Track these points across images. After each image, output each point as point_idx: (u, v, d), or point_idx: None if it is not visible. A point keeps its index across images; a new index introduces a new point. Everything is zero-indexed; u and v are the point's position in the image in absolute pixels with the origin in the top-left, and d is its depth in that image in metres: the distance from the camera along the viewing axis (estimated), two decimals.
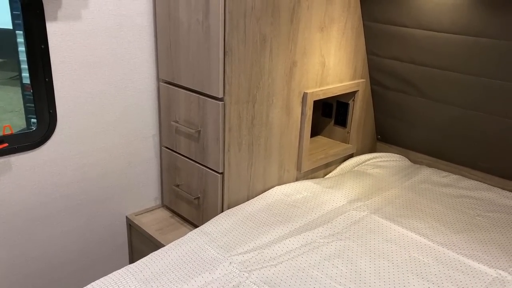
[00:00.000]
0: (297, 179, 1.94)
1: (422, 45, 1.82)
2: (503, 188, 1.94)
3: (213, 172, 1.64)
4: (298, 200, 1.76)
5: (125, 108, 1.76)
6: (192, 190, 1.77)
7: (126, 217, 1.89)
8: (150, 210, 1.94)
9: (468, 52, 1.69)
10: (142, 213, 1.91)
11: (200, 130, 1.64)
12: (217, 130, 1.55)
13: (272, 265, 1.36)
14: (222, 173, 1.62)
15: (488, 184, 1.98)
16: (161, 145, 1.89)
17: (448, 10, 1.65)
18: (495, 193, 1.91)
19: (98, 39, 1.60)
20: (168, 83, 1.74)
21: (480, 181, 2.01)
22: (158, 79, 1.80)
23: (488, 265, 1.41)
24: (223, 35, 1.44)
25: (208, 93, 1.56)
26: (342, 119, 2.18)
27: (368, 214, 1.70)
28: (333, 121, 2.22)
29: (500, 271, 1.38)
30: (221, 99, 1.52)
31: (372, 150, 2.38)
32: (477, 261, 1.44)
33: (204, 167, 1.68)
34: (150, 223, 1.84)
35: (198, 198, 1.74)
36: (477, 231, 1.63)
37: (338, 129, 2.21)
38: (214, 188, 1.66)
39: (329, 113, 2.22)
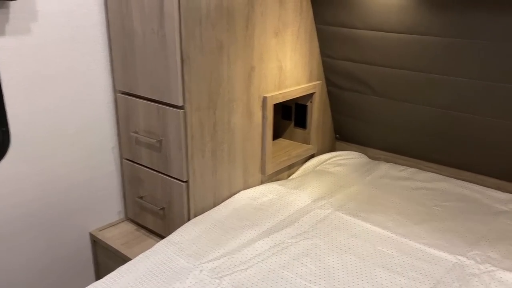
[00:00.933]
0: (262, 182, 1.96)
1: (372, 46, 1.89)
2: (457, 178, 2.04)
3: (178, 181, 1.63)
4: (264, 203, 1.77)
5: (83, 121, 1.72)
6: (156, 201, 1.75)
7: (90, 233, 1.84)
8: (114, 224, 1.90)
9: (416, 50, 1.77)
10: (106, 228, 1.87)
11: (161, 139, 1.63)
12: (179, 138, 1.55)
13: (242, 269, 1.37)
14: (186, 182, 1.61)
15: (443, 175, 2.08)
16: (121, 157, 1.85)
17: (395, 11, 1.73)
18: (450, 183, 2.01)
19: (50, 53, 1.56)
20: (126, 94, 1.72)
21: (435, 173, 2.10)
22: (115, 90, 1.77)
23: (448, 252, 1.48)
24: (180, 43, 1.44)
25: (167, 101, 1.55)
26: (301, 121, 2.22)
27: (333, 211, 1.74)
28: (293, 123, 2.26)
29: (459, 257, 1.45)
30: (181, 107, 1.52)
31: (332, 149, 2.44)
32: (438, 249, 1.50)
33: (167, 177, 1.66)
34: (115, 238, 1.80)
35: (163, 208, 1.73)
36: (435, 221, 1.70)
37: (299, 131, 2.25)
38: (179, 197, 1.65)
39: (289, 115, 2.26)
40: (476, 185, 1.97)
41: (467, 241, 1.56)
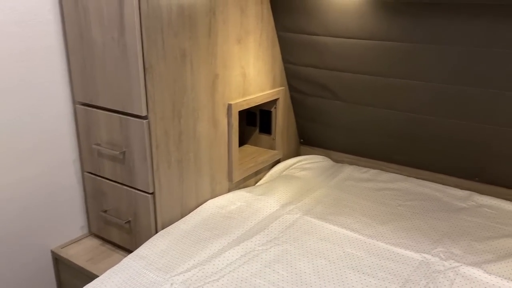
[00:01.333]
0: (229, 190, 1.95)
1: (333, 52, 1.92)
2: (417, 177, 2.11)
3: (143, 193, 1.59)
4: (233, 211, 1.76)
5: (41, 135, 1.64)
6: (121, 214, 1.70)
7: (51, 251, 1.76)
8: (77, 241, 1.83)
9: (376, 55, 1.82)
10: (68, 245, 1.79)
11: (124, 151, 1.58)
12: (144, 149, 1.51)
13: (214, 280, 1.35)
14: (152, 193, 1.58)
15: (404, 175, 2.15)
16: (83, 170, 1.79)
17: (354, 17, 1.77)
18: (411, 182, 2.07)
19: (3, 66, 1.48)
20: (86, 105, 1.66)
21: (397, 173, 2.17)
22: (74, 101, 1.71)
23: (413, 251, 1.52)
24: (142, 52, 1.41)
25: (130, 112, 1.51)
26: (266, 127, 2.23)
27: (301, 216, 1.75)
28: (258, 129, 2.27)
29: (425, 255, 1.50)
30: (145, 117, 1.49)
31: (297, 153, 2.46)
32: (404, 248, 1.54)
33: (132, 189, 1.62)
34: (78, 254, 1.73)
35: (129, 221, 1.68)
36: (400, 220, 1.75)
37: (264, 137, 2.26)
38: (145, 210, 1.61)
39: (254, 121, 2.26)
40: (436, 183, 2.05)
41: (431, 239, 1.61)
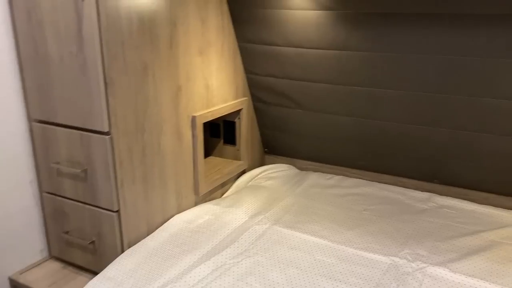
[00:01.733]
0: (196, 204, 1.92)
1: (294, 62, 1.95)
2: (379, 182, 2.17)
3: (107, 212, 1.53)
4: (201, 225, 1.73)
5: None
6: (85, 234, 1.63)
7: (9, 278, 1.66)
8: (37, 265, 1.73)
9: (336, 65, 1.86)
10: (28, 270, 1.69)
11: (86, 169, 1.52)
12: (107, 166, 1.46)
13: None
14: (117, 211, 1.53)
15: (367, 179, 2.20)
16: (41, 190, 1.70)
17: (314, 28, 1.80)
18: (374, 187, 2.12)
19: None
20: (43, 122, 1.59)
21: (360, 178, 2.21)
22: (30, 119, 1.63)
23: (382, 254, 1.56)
24: (102, 66, 1.37)
25: (91, 128, 1.46)
26: (231, 138, 2.22)
27: (270, 226, 1.75)
28: (222, 141, 2.25)
29: (393, 258, 1.53)
30: (107, 133, 1.44)
31: (261, 163, 2.46)
32: (372, 252, 1.57)
33: (96, 208, 1.56)
34: (39, 280, 1.64)
35: (93, 242, 1.61)
36: (366, 225, 1.78)
37: (228, 148, 2.25)
38: (110, 229, 1.55)
39: (217, 133, 2.25)
40: (397, 187, 2.11)
41: (397, 241, 1.65)
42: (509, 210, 1.87)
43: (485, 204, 1.92)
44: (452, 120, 1.79)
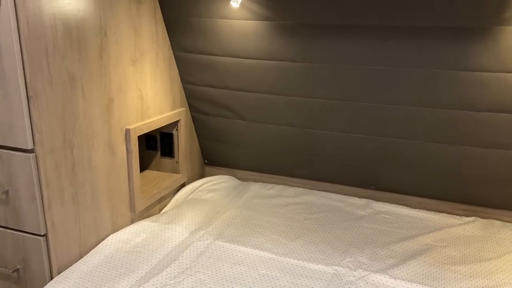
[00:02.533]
0: (132, 222, 1.82)
1: (232, 72, 1.92)
2: (319, 190, 2.19)
3: (33, 236, 1.40)
4: (139, 244, 1.64)
5: None
6: (7, 262, 1.48)
7: None
8: None
9: (274, 75, 1.85)
10: None
11: (8, 190, 1.38)
12: (32, 186, 1.34)
13: None
14: (45, 235, 1.40)
15: (307, 188, 2.21)
16: None
17: (251, 39, 1.78)
18: (314, 195, 2.14)
19: None
20: None
21: (300, 187, 2.22)
22: None
23: (324, 264, 1.56)
24: (24, 78, 1.25)
25: (12, 145, 1.33)
26: (168, 150, 2.14)
27: (212, 241, 1.69)
28: (159, 153, 2.17)
29: (335, 267, 1.54)
30: (31, 151, 1.31)
31: (201, 175, 2.40)
32: (315, 262, 1.57)
33: (20, 232, 1.42)
34: None
35: (17, 270, 1.47)
36: (308, 234, 1.78)
37: (166, 160, 2.16)
38: (37, 254, 1.42)
39: (154, 145, 2.16)
40: (336, 194, 2.14)
41: (338, 250, 1.66)
42: (440, 213, 1.96)
43: (419, 209, 2.00)
44: (387, 129, 1.85)
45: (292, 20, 1.68)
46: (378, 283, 1.45)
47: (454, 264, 1.58)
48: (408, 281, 1.46)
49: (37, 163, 1.33)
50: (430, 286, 1.44)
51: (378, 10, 1.55)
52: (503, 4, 1.38)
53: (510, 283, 1.46)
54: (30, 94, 1.27)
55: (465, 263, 1.59)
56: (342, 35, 1.66)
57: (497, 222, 1.88)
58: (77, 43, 1.42)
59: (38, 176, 1.34)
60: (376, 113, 1.81)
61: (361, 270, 1.52)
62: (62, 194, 1.43)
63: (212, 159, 2.38)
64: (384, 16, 1.55)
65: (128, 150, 1.73)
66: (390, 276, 1.48)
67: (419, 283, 1.45)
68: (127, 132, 1.71)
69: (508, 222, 1.89)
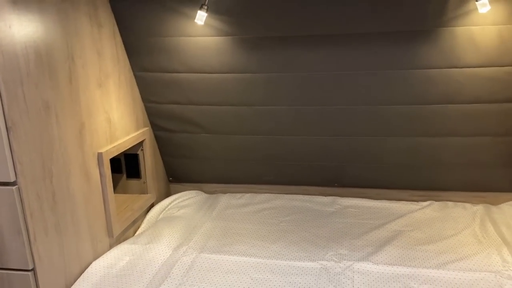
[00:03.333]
0: (111, 246, 1.79)
1: (197, 87, 1.96)
2: (286, 193, 2.28)
3: (20, 272, 1.34)
4: (124, 267, 1.62)
5: None
6: None
7: None
8: None
9: (238, 87, 1.93)
10: None
11: None
12: (16, 220, 1.29)
13: None
14: (33, 269, 1.34)
15: (275, 193, 2.29)
16: None
17: (214, 54, 1.84)
18: (283, 199, 2.23)
19: None
20: None
21: (268, 193, 2.30)
22: None
23: (310, 260, 1.64)
24: (2, 109, 1.21)
25: None
26: (134, 171, 2.13)
27: (197, 254, 1.71)
28: (125, 175, 2.14)
29: (321, 262, 1.63)
30: (13, 183, 1.27)
31: (167, 193, 2.40)
32: (301, 260, 1.65)
33: (4, 271, 1.35)
34: None
35: None
36: (287, 236, 1.86)
37: (133, 182, 2.14)
38: None
39: (119, 168, 2.13)
40: (304, 195, 2.25)
41: (319, 246, 1.76)
42: (400, 201, 2.13)
43: (380, 199, 2.16)
44: (348, 128, 1.99)
45: (253, 34, 1.77)
46: (363, 270, 1.56)
47: (423, 244, 1.74)
48: (389, 264, 1.59)
49: (20, 195, 1.28)
50: (408, 266, 1.58)
51: (330, 21, 1.69)
52: (442, 8, 1.58)
53: (473, 254, 1.64)
54: (9, 125, 1.23)
55: (431, 242, 1.76)
56: (299, 45, 1.78)
57: (450, 203, 2.09)
58: (48, 70, 1.39)
59: (23, 208, 1.29)
60: (337, 115, 1.95)
61: (345, 261, 1.63)
62: (45, 225, 1.39)
63: (177, 176, 2.39)
64: (336, 25, 1.69)
65: (101, 174, 1.71)
66: (373, 262, 1.60)
67: (399, 265, 1.58)
68: (99, 156, 1.69)
69: (458, 202, 2.10)
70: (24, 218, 1.30)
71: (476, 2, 1.47)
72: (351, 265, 1.60)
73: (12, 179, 1.26)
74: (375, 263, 1.59)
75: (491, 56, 1.67)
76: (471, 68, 1.71)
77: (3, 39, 1.20)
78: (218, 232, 1.91)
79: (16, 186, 1.27)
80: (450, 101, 1.81)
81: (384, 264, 1.59)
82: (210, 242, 1.82)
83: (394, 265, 1.58)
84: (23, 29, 1.28)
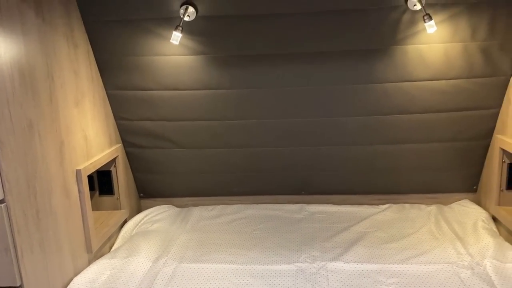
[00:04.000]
0: (90, 262, 1.80)
1: (170, 104, 2.04)
2: (257, 203, 2.38)
3: None
4: (106, 281, 1.65)
5: None
6: None
7: None
8: None
9: (211, 103, 2.03)
10: None
11: None
12: (5, 237, 1.30)
13: None
14: (20, 286, 1.35)
15: (246, 203, 2.39)
16: None
17: (187, 71, 1.94)
18: (254, 209, 2.33)
19: None
20: None
21: (239, 204, 2.39)
22: None
23: (286, 263, 1.75)
24: None
25: None
26: (107, 188, 2.15)
27: (178, 265, 1.77)
28: (97, 192, 2.16)
29: (296, 264, 1.74)
30: (2, 201, 1.29)
31: (139, 209, 2.42)
32: (278, 264, 1.76)
33: None
34: None
35: None
36: (262, 243, 1.96)
37: (106, 198, 2.16)
38: None
39: (91, 185, 2.14)
40: (273, 204, 2.36)
41: (292, 250, 1.87)
42: (362, 206, 2.29)
43: (344, 204, 2.31)
44: (314, 139, 2.13)
45: (225, 53, 1.89)
46: (336, 269, 1.69)
47: (387, 243, 1.89)
48: (358, 262, 1.73)
49: (8, 212, 1.30)
50: (376, 262, 1.72)
51: (297, 41, 1.84)
52: (395, 29, 1.77)
53: (431, 249, 1.82)
54: None
55: (394, 241, 1.92)
56: (269, 63, 1.91)
57: (407, 205, 2.28)
58: (31, 89, 1.43)
59: (11, 226, 1.31)
60: (304, 127, 2.09)
61: (319, 261, 1.75)
62: (31, 241, 1.40)
63: (148, 191, 2.43)
64: (303, 45, 1.85)
65: (80, 191, 1.74)
66: (344, 261, 1.73)
67: (367, 262, 1.72)
68: (78, 173, 1.72)
69: (414, 203, 2.29)
70: (12, 235, 1.32)
71: (425, 24, 1.66)
72: (325, 265, 1.72)
73: (1, 197, 1.28)
74: (346, 262, 1.73)
75: (438, 71, 1.88)
76: (421, 82, 1.92)
77: None
78: (194, 243, 1.98)
79: (5, 203, 1.29)
80: (404, 111, 2.00)
81: (354, 262, 1.72)
82: (188, 252, 1.89)
83: (363, 262, 1.72)
84: (9, 50, 1.32)
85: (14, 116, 1.33)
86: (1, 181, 1.28)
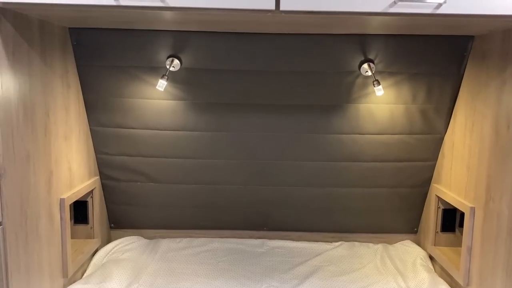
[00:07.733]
0: (64, 287, 1.91)
1: (149, 142, 2.24)
2: (220, 237, 2.57)
3: None
4: None
5: None
6: None
7: None
8: None
9: (186, 142, 2.24)
10: None
11: None
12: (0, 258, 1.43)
13: None
14: None
15: (211, 237, 2.57)
16: None
17: (168, 113, 2.16)
18: (218, 242, 2.51)
19: None
20: None
21: (204, 237, 2.56)
22: None
23: None
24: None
25: None
26: (82, 217, 2.28)
27: None
28: (72, 221, 2.28)
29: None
30: (0, 224, 1.43)
31: (109, 239, 2.54)
32: None
33: None
34: None
35: None
36: (226, 273, 2.14)
37: (80, 227, 2.28)
38: None
39: None
40: (237, 238, 2.55)
41: (254, 280, 2.06)
42: (317, 242, 2.53)
43: (301, 241, 2.54)
44: (275, 180, 2.38)
45: (203, 100, 2.13)
46: None
47: (338, 276, 2.13)
48: None
49: (4, 235, 1.44)
50: None
51: (267, 94, 2.11)
52: (350, 90, 2.09)
53: (376, 282, 2.07)
54: (1, 172, 1.41)
55: (345, 274, 2.15)
56: (240, 111, 2.17)
57: (356, 243, 2.53)
58: (31, 124, 1.60)
59: (5, 248, 1.44)
60: (268, 168, 2.34)
61: None
62: (19, 263, 1.53)
63: (119, 222, 2.56)
64: (271, 97, 2.12)
65: (62, 218, 1.88)
66: None
67: None
68: (62, 201, 1.87)
69: (363, 242, 2.56)
70: (5, 257, 1.45)
71: (374, 88, 1.99)
72: None
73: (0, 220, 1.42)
74: None
75: (385, 127, 2.20)
76: (370, 135, 2.23)
77: (5, 98, 1.41)
78: (164, 272, 2.13)
79: (1, 226, 1.43)
80: (355, 159, 2.30)
81: None
82: (158, 280, 2.04)
83: None
84: (17, 90, 1.50)
85: (16, 147, 1.50)
86: (1, 206, 1.42)
